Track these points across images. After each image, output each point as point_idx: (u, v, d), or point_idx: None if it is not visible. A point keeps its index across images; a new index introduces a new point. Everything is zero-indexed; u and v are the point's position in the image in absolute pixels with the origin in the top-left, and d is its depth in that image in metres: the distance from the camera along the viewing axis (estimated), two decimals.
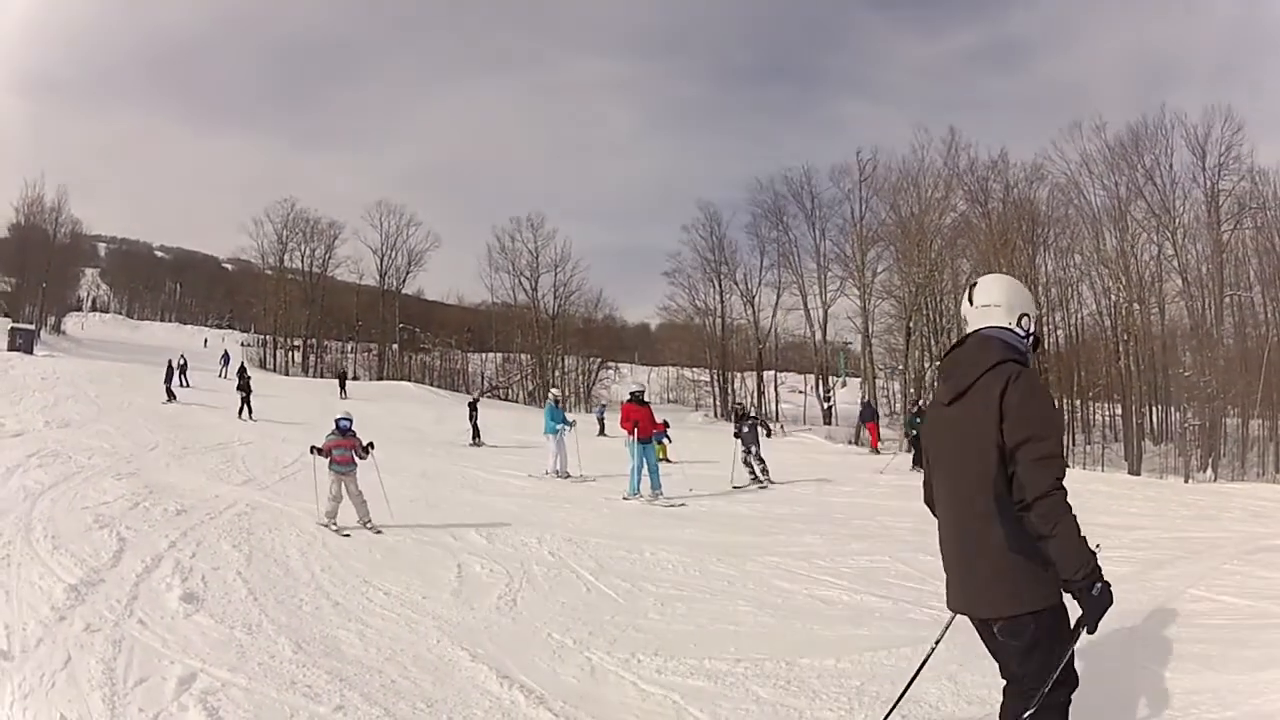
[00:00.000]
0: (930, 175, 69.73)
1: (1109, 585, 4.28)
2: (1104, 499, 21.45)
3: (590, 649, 7.99)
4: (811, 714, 6.58)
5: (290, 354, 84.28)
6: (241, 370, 39.94)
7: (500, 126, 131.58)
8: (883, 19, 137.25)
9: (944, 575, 5.03)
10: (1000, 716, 4.90)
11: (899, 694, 6.33)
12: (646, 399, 20.57)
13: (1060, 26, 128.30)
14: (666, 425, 32.06)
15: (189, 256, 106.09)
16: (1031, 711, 4.51)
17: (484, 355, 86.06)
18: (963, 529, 4.68)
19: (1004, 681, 4.95)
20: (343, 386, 56.81)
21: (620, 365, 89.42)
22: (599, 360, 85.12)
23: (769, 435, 27.03)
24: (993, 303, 4.81)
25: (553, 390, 28.49)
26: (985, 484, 4.42)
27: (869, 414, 39.39)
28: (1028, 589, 4.42)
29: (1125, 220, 65.82)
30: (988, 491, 4.41)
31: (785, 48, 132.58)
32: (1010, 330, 4.77)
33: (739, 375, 78.94)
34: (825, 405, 68.41)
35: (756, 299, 79.55)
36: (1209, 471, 45.44)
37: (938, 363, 49.15)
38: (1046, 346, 69.48)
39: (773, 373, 73.57)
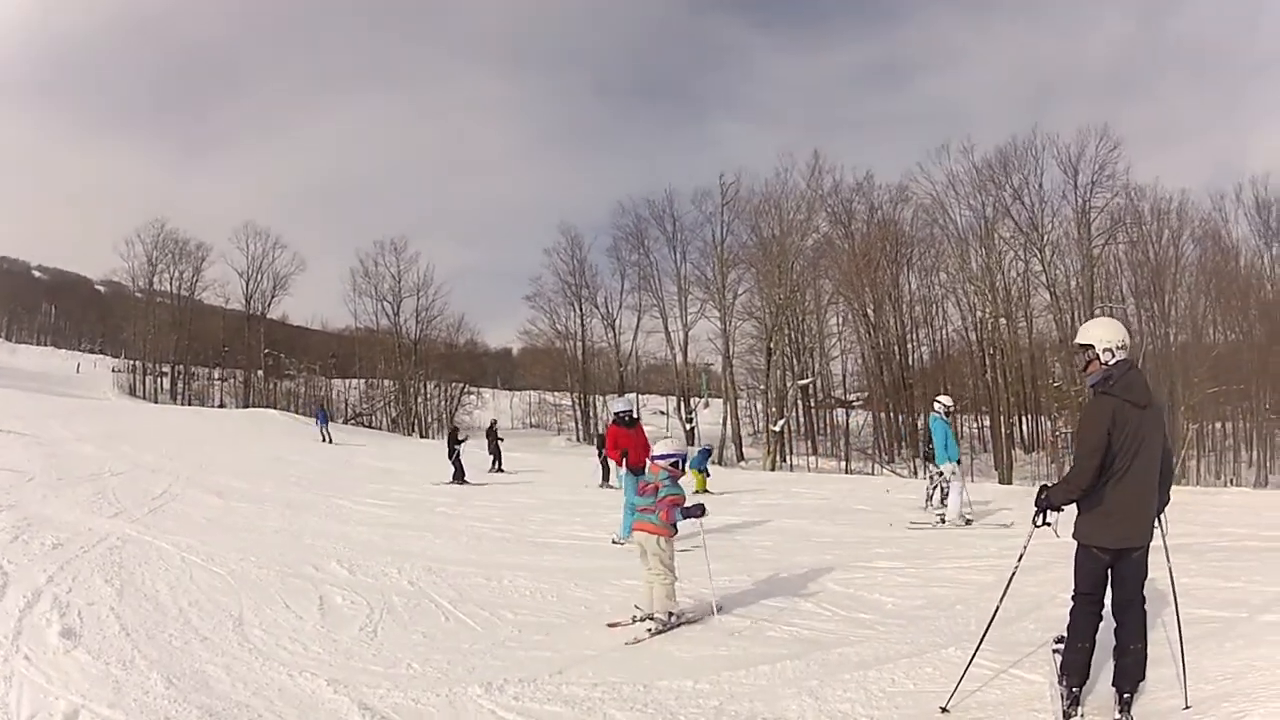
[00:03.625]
0: (793, 197, 71.07)
1: None
2: (975, 509, 21.53)
3: (449, 678, 8.03)
4: None
5: (159, 380, 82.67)
6: None
7: (370, 145, 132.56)
8: (762, 39, 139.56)
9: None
10: (1131, 625, 6.87)
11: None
12: (635, 417, 17.79)
13: (940, 48, 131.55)
14: (709, 452, 31.88)
15: (64, 277, 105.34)
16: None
17: (348, 381, 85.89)
18: (1154, 487, 6.82)
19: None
20: (457, 446, 32.60)
21: (483, 390, 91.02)
22: (461, 385, 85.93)
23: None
24: None
25: (941, 399, 21.31)
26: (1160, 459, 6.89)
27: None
28: None
29: (992, 238, 68.02)
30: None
31: (662, 68, 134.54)
32: None
33: (601, 398, 78.73)
34: (688, 426, 67.52)
35: (617, 322, 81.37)
36: None
37: (800, 381, 49.54)
38: (911, 363, 73.58)
39: (635, 395, 72.24)
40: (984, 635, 7.56)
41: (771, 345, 70.14)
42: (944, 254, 73.08)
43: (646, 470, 10.69)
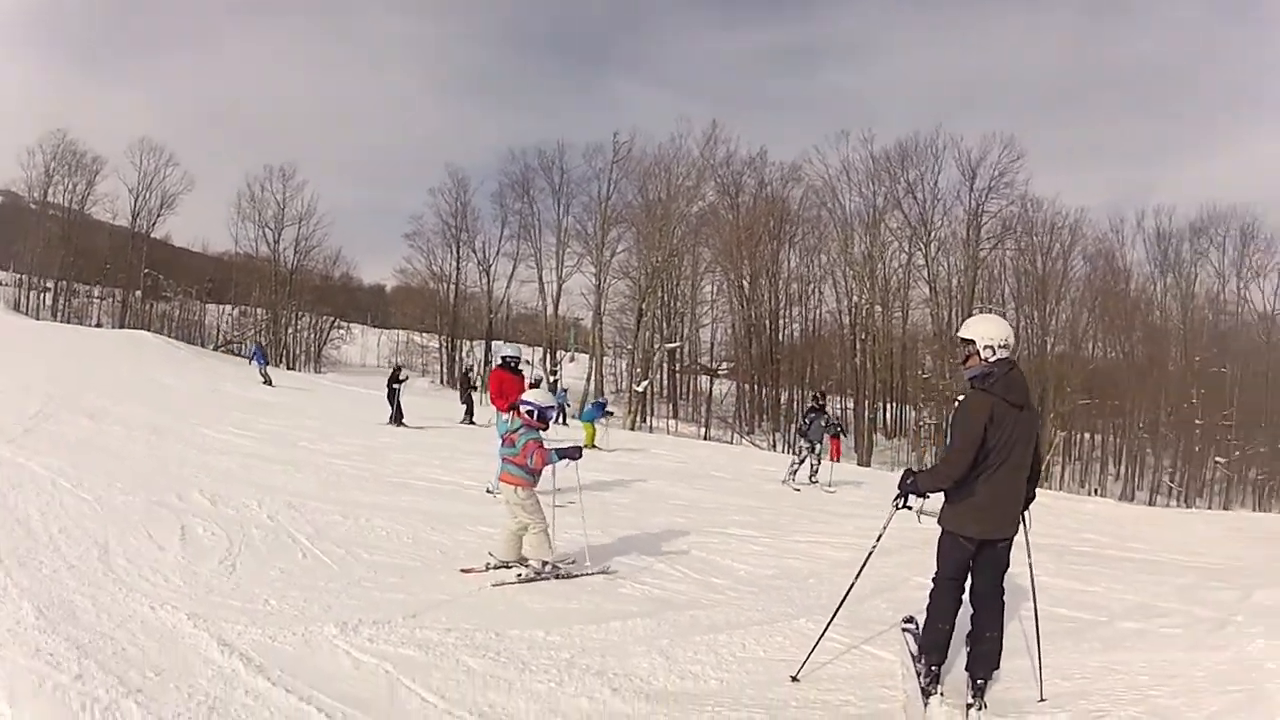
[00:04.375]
0: (684, 163, 70.91)
1: None
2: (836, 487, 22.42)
3: (305, 616, 7.98)
4: (522, 685, 6.69)
5: (43, 296, 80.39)
6: None
7: (274, 71, 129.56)
8: (682, 5, 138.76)
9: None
10: (989, 614, 7.02)
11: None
12: (522, 367, 17.32)
13: (861, 40, 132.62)
14: (603, 406, 32.23)
15: None
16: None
17: (221, 307, 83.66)
18: (1023, 484, 6.92)
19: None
20: (397, 387, 31.77)
21: (353, 326, 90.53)
22: (332, 319, 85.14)
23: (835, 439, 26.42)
24: None
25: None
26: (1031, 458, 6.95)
27: (834, 430, 39.63)
28: None
29: (879, 228, 70.29)
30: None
31: (577, 22, 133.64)
32: None
33: (468, 343, 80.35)
34: (552, 379, 67.05)
35: (493, 268, 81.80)
36: None
37: (668, 345, 50.22)
38: (781, 338, 75.61)
39: (501, 343, 70.97)
40: (838, 609, 7.70)
41: (643, 306, 70.87)
42: (828, 237, 75.11)
43: (509, 418, 10.72)
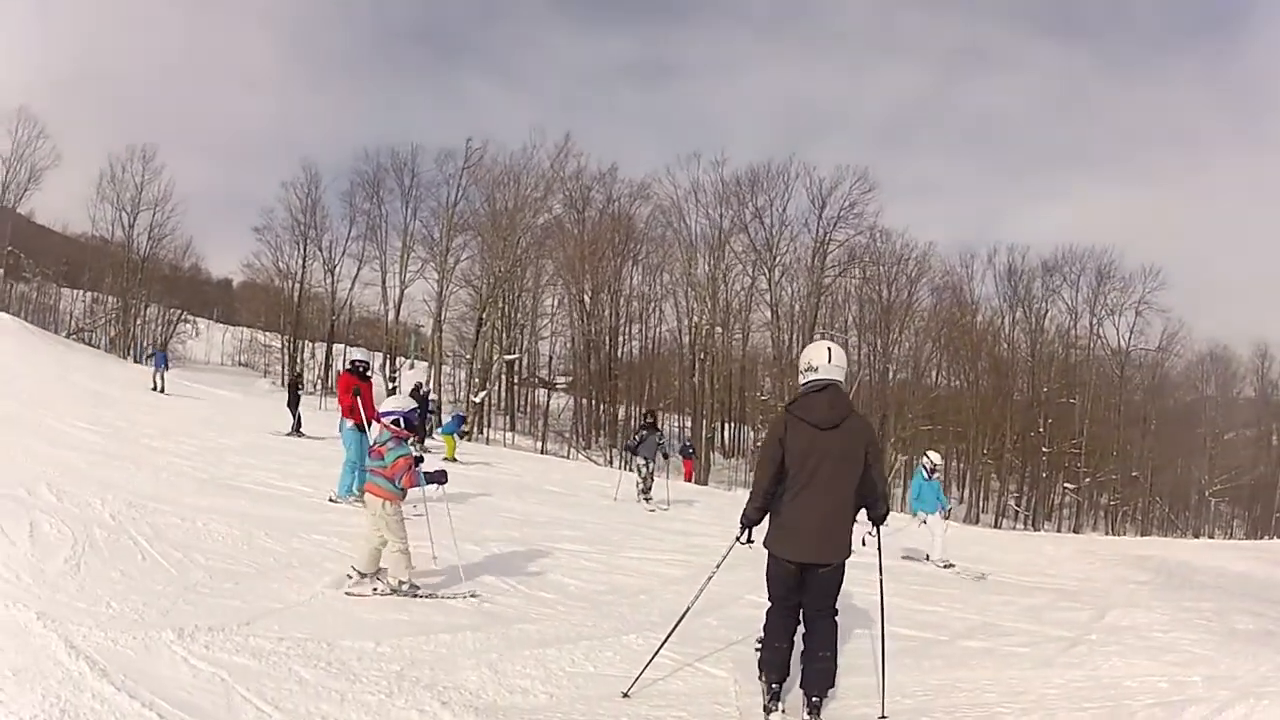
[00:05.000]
0: (534, 174, 71.19)
1: None
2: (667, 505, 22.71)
3: (145, 621, 7.91)
4: (353, 697, 6.73)
5: None
6: None
7: (140, 35, 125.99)
8: (551, 10, 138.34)
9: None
10: (821, 634, 7.13)
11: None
12: (371, 372, 17.27)
13: (721, 59, 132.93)
14: (463, 419, 32.28)
15: None
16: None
17: (75, 292, 79.61)
18: (842, 508, 6.94)
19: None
20: (299, 394, 32.29)
21: (199, 320, 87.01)
22: (180, 313, 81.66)
23: (666, 458, 26.18)
24: (843, 365, 7.13)
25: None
26: (856, 481, 6.95)
27: (687, 451, 39.56)
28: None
29: (723, 250, 70.48)
30: (855, 485, 6.96)
31: (447, 17, 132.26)
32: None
33: (309, 345, 78.37)
34: (390, 385, 66.58)
35: (338, 269, 79.26)
36: None
37: (507, 356, 50.43)
38: (620, 355, 76.08)
39: (342, 346, 72.27)
40: (675, 627, 7.93)
41: (484, 316, 71.11)
42: (671, 256, 75.20)
43: (375, 430, 10.75)
